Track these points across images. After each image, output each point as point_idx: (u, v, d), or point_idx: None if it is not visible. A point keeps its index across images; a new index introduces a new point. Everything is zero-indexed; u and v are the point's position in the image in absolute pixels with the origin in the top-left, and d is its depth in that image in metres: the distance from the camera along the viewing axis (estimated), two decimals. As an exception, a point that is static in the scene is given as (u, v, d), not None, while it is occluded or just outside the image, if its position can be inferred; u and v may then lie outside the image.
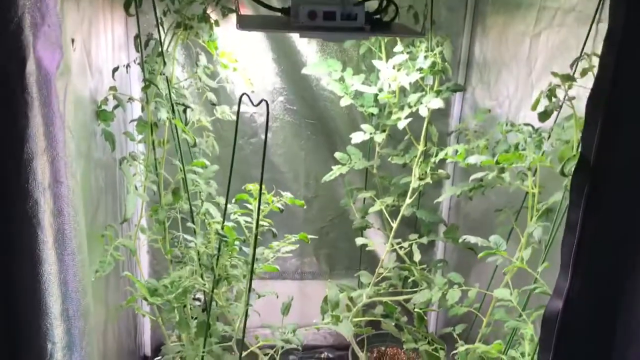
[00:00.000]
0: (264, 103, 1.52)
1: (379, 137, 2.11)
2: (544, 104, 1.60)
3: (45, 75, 0.88)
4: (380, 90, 2.07)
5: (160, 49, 1.67)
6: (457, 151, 1.95)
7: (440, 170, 2.06)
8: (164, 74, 1.65)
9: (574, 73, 1.55)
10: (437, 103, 1.94)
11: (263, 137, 2.52)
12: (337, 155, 2.23)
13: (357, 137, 2.11)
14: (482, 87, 2.43)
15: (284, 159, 2.61)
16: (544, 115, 1.58)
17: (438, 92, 1.99)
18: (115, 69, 1.84)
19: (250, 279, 1.74)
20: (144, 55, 1.71)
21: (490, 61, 2.37)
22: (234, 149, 1.60)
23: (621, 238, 0.88)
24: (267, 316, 2.13)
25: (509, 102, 2.22)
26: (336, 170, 2.18)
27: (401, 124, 2.00)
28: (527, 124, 1.99)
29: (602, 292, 0.91)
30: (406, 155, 2.18)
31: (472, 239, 1.73)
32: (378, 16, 1.73)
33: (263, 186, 1.73)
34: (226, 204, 1.71)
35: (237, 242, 1.79)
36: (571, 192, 0.92)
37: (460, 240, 1.79)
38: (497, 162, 1.64)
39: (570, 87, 1.53)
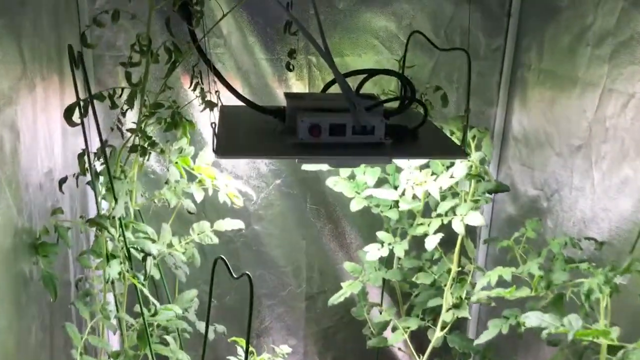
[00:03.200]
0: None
1: (401, 250, 1.68)
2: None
3: None
4: (402, 195, 1.63)
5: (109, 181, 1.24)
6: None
7: (480, 294, 1.63)
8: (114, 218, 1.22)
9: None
10: (477, 219, 1.51)
11: (256, 227, 2.11)
12: (348, 267, 1.80)
13: (372, 253, 1.67)
14: (522, 170, 1.99)
15: (282, 252, 2.18)
16: None
17: (476, 200, 1.55)
18: (62, 180, 1.41)
19: None
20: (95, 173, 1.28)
21: (533, 140, 1.93)
22: None
23: None
24: None
25: (560, 198, 1.79)
26: (346, 289, 1.74)
27: (430, 243, 1.56)
28: (589, 238, 1.57)
29: None
30: (434, 267, 1.74)
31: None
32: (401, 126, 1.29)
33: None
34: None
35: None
36: None
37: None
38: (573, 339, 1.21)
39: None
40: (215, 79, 1.43)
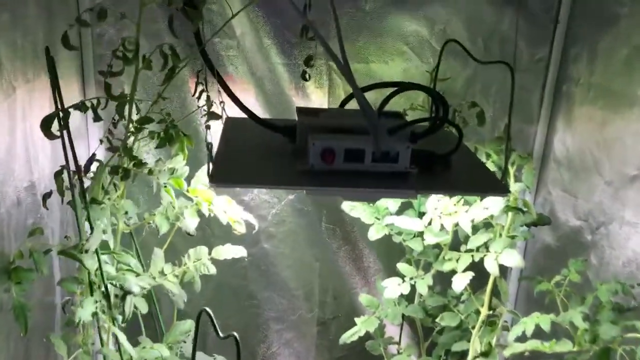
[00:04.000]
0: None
1: (424, 286, 1.48)
2: None
3: None
4: (428, 226, 1.43)
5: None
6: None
7: (514, 346, 1.42)
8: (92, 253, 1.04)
9: None
10: (514, 259, 1.31)
11: (266, 245, 1.93)
12: (364, 300, 1.61)
13: (392, 289, 1.48)
14: (563, 196, 1.77)
15: (293, 273, 1.99)
16: None
17: (513, 236, 1.35)
18: (47, 195, 1.24)
19: None
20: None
21: (578, 164, 1.72)
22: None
23: None
24: None
25: (608, 233, 1.57)
26: (361, 326, 1.56)
27: (458, 283, 1.37)
28: (643, 285, 1.36)
29: None
30: (461, 306, 1.54)
31: None
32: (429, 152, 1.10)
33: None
34: None
35: None
36: None
37: None
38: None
39: None
40: (220, 88, 1.26)
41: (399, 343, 1.76)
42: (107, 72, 1.00)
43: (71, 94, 1.58)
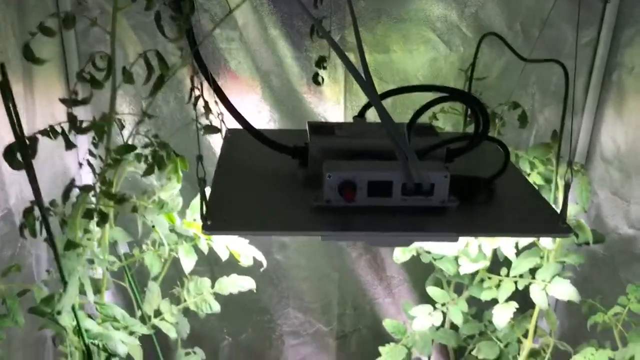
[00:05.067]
0: None
1: (458, 314, 1.30)
2: None
3: None
4: (464, 248, 1.24)
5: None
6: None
7: None
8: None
9: None
10: (566, 291, 1.12)
11: (278, 257, 1.76)
12: (389, 325, 1.43)
13: (422, 320, 1.29)
14: (613, 200, 1.56)
15: (310, 285, 1.82)
16: None
17: (563, 262, 1.15)
18: (23, 226, 1.07)
19: None
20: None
21: (631, 164, 1.50)
22: None
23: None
24: None
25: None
26: (386, 358, 1.38)
27: (501, 318, 1.18)
28: None
29: None
30: (499, 333, 1.36)
31: None
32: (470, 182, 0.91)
33: None
34: None
35: None
36: None
37: None
38: None
39: None
40: (217, 98, 1.06)
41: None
42: (70, 101, 0.81)
43: (54, 95, 1.39)
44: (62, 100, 0.83)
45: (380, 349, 1.45)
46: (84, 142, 1.51)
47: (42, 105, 1.35)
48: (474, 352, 1.38)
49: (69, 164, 1.48)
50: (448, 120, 1.49)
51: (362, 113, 1.10)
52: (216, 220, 0.81)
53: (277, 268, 1.77)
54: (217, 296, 1.33)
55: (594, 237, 1.22)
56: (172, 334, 1.16)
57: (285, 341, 1.89)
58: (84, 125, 0.90)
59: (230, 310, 1.77)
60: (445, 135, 0.98)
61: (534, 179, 1.21)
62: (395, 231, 0.82)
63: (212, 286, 1.25)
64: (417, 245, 1.29)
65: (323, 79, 1.18)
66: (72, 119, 0.83)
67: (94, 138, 1.04)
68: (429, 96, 0.92)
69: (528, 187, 0.95)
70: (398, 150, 0.82)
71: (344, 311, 1.88)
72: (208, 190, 0.89)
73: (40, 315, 0.87)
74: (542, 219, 0.85)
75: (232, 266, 1.34)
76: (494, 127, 1.29)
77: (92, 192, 0.90)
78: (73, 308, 0.88)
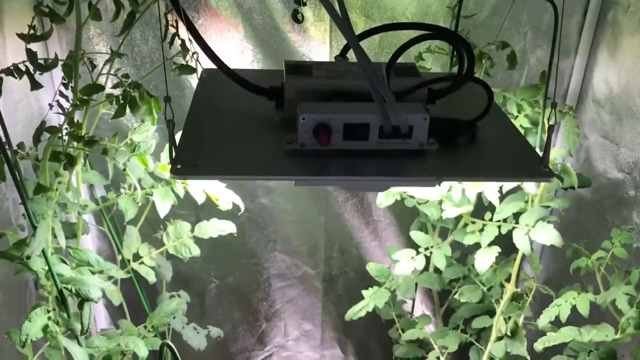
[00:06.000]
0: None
1: (441, 259, 1.29)
2: None
3: None
4: (447, 193, 1.22)
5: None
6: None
7: (549, 337, 1.21)
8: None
9: None
10: (549, 236, 1.10)
11: (263, 201, 1.74)
12: (372, 269, 1.43)
13: (404, 264, 1.29)
14: (603, 143, 1.54)
15: (296, 229, 1.81)
16: None
17: (547, 206, 1.14)
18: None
19: None
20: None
21: (623, 106, 1.47)
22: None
23: None
24: None
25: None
26: (369, 300, 1.38)
27: (482, 262, 1.17)
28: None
29: None
30: (483, 277, 1.36)
31: None
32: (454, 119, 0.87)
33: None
34: None
35: None
36: None
37: None
38: None
39: None
40: (190, 36, 1.01)
41: (411, 314, 1.59)
42: (28, 36, 0.76)
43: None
44: (20, 36, 0.78)
45: (364, 292, 1.46)
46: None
47: (14, 43, 1.30)
48: (457, 296, 1.39)
49: (45, 106, 1.44)
50: (437, 60, 1.44)
51: (343, 52, 1.06)
52: (186, 164, 0.78)
53: (263, 212, 1.76)
54: (204, 240, 1.32)
55: (580, 181, 1.20)
56: (151, 278, 1.16)
57: (272, 284, 1.90)
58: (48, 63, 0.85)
59: (218, 253, 1.78)
60: (428, 76, 0.94)
61: (521, 121, 1.18)
62: (371, 175, 0.79)
63: (192, 230, 1.23)
64: (401, 190, 1.27)
65: (303, 17, 1.12)
66: (31, 55, 0.79)
67: (63, 78, 1.00)
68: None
69: (511, 130, 0.92)
70: (375, 92, 0.79)
71: (330, 254, 1.88)
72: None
73: (10, 259, 0.86)
74: (522, 163, 0.83)
75: (217, 211, 1.32)
76: (480, 68, 1.24)
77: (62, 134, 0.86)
78: (44, 252, 0.86)
